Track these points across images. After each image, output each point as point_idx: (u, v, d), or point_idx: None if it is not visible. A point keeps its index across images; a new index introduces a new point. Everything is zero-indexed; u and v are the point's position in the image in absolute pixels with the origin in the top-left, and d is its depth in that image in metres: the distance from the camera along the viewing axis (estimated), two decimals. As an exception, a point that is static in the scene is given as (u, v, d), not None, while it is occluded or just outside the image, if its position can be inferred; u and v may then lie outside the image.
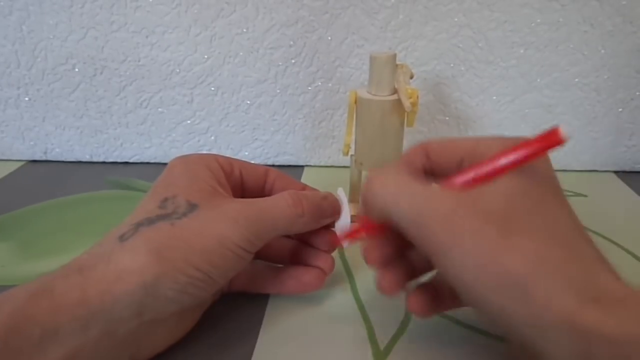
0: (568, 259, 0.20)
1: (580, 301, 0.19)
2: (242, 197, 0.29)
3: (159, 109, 0.52)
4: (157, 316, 0.25)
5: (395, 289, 0.27)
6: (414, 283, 0.28)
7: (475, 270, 0.21)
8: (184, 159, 0.30)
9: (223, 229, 0.26)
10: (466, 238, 0.21)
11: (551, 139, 0.22)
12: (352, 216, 0.32)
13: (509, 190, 0.22)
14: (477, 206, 0.22)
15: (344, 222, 0.31)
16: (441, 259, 0.22)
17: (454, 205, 0.22)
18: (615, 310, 0.18)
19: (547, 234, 0.21)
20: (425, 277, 0.28)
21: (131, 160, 0.55)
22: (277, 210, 0.28)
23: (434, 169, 0.26)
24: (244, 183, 0.32)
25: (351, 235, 0.30)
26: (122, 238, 0.25)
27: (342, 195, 0.32)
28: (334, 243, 0.31)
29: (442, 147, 0.26)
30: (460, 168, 0.25)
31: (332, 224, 0.32)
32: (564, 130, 0.21)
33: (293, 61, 0.49)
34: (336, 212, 0.31)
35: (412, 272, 0.28)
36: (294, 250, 0.33)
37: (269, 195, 0.32)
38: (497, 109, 0.50)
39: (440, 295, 0.27)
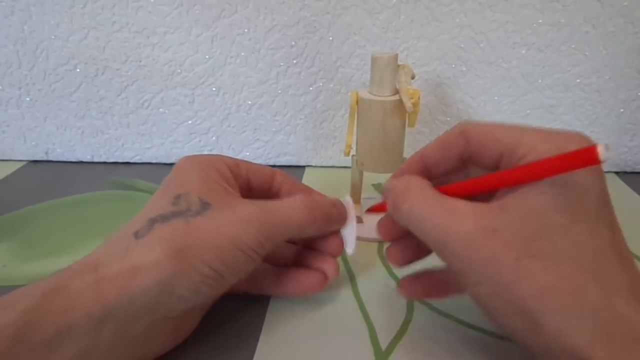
0: (586, 286, 0.20)
1: (590, 338, 0.19)
2: (249, 197, 0.29)
3: (160, 110, 0.52)
4: (168, 314, 0.25)
5: (401, 262, 0.29)
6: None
7: (489, 297, 0.22)
8: (192, 159, 0.30)
9: (236, 230, 0.26)
10: (482, 265, 0.22)
11: (585, 158, 0.19)
12: (357, 217, 0.32)
13: (536, 209, 0.21)
14: (497, 229, 0.21)
15: (350, 231, 0.31)
16: (461, 278, 0.23)
17: (473, 230, 0.22)
18: (625, 352, 0.19)
19: (568, 258, 0.21)
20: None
21: (132, 161, 0.55)
22: (290, 215, 0.28)
23: (472, 156, 0.25)
24: (250, 184, 0.32)
25: (374, 209, 0.31)
26: (137, 235, 0.25)
27: (349, 202, 0.32)
28: (340, 248, 0.32)
29: (483, 137, 0.24)
30: (499, 162, 0.24)
31: (338, 232, 0.32)
32: (601, 151, 0.18)
33: (294, 61, 0.49)
34: (343, 219, 0.31)
35: (419, 250, 0.29)
36: (297, 254, 0.33)
37: (275, 197, 0.32)
38: (499, 110, 0.50)
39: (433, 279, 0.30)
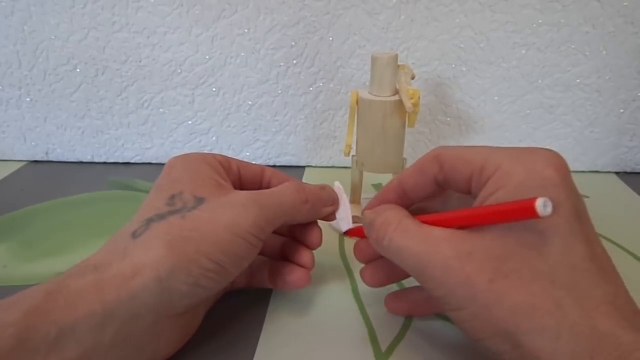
0: (562, 303, 0.20)
1: (571, 357, 0.19)
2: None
3: (160, 110, 0.52)
4: (171, 311, 0.25)
5: (373, 284, 0.30)
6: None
7: (471, 321, 0.22)
8: (183, 157, 0.30)
9: (233, 216, 0.26)
10: (459, 289, 0.22)
11: (524, 212, 0.20)
12: (352, 217, 0.33)
13: (508, 229, 0.22)
14: (472, 252, 0.22)
15: (344, 213, 0.32)
16: (443, 304, 0.24)
17: (449, 255, 0.22)
18: None
19: (542, 276, 0.21)
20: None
21: (132, 161, 0.55)
22: (283, 196, 0.29)
23: (446, 180, 0.26)
24: (242, 179, 0.32)
25: (352, 234, 0.32)
26: (134, 235, 0.25)
27: (340, 187, 0.33)
28: (319, 239, 0.32)
29: (453, 160, 0.25)
30: (470, 184, 0.24)
31: (333, 216, 0.32)
32: (539, 207, 0.19)
33: (294, 62, 0.49)
34: (334, 201, 0.32)
35: (394, 274, 0.30)
36: (283, 246, 0.33)
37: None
38: (499, 110, 0.50)
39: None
